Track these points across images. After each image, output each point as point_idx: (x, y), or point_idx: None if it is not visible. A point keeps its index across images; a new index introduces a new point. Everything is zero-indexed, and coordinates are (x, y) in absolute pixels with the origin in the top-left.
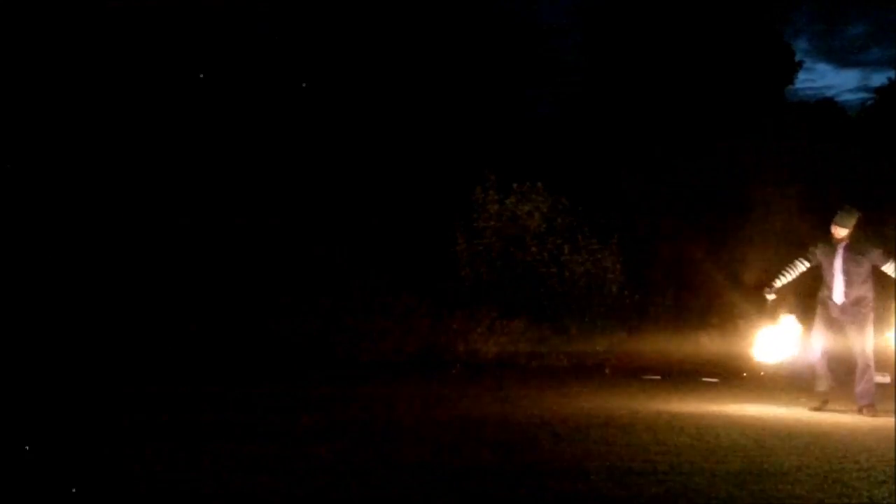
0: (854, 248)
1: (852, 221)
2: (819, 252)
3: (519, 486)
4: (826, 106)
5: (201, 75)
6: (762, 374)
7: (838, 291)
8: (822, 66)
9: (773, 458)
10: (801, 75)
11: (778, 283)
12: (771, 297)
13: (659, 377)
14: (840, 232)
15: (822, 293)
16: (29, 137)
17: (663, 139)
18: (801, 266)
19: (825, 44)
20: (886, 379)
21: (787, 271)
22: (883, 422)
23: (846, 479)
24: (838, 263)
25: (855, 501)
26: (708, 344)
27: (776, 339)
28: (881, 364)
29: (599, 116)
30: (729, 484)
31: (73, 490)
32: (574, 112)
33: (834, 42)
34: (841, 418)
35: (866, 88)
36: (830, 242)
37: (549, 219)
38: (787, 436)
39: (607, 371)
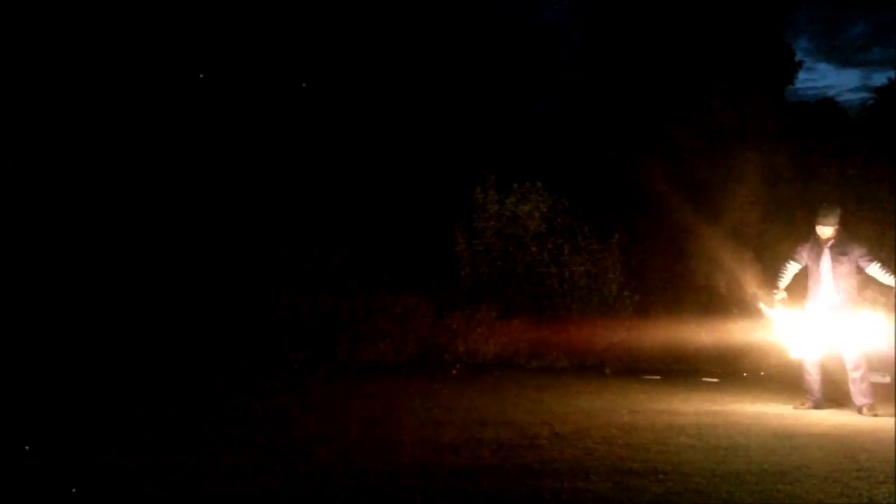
0: (838, 247)
1: (836, 219)
2: (806, 252)
3: (519, 486)
4: (826, 106)
5: (201, 75)
6: (762, 374)
7: (827, 292)
8: (824, 66)
9: (773, 458)
10: (802, 75)
11: (781, 284)
12: (781, 295)
13: (659, 377)
14: (826, 231)
15: (812, 296)
16: (28, 137)
17: (663, 138)
18: (793, 267)
19: (826, 43)
20: (886, 379)
21: (782, 274)
22: (883, 422)
23: (846, 479)
24: (825, 264)
25: (855, 501)
26: (708, 343)
27: (799, 331)
28: (881, 364)
29: (599, 116)
30: (729, 484)
31: (73, 490)
32: (574, 112)
33: (835, 42)
34: (841, 418)
35: (867, 88)
36: (817, 243)
37: (549, 219)
38: (787, 436)
39: (607, 371)
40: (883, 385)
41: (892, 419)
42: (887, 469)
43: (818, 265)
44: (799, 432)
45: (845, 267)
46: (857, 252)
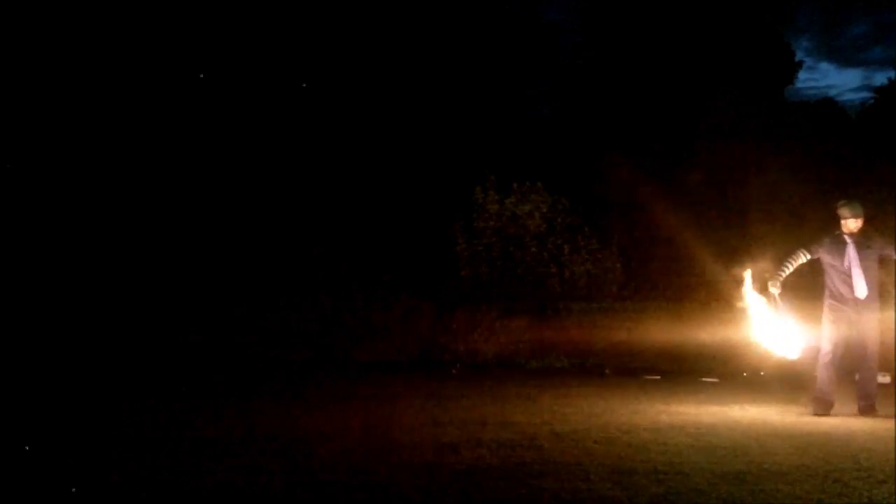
0: (863, 240)
1: (862, 210)
2: (825, 248)
3: (519, 486)
4: (826, 105)
5: (201, 75)
6: (762, 373)
7: (860, 287)
8: (825, 66)
9: (773, 458)
10: (804, 75)
11: (782, 275)
12: (776, 290)
13: (659, 377)
14: (857, 223)
15: (835, 293)
16: (28, 137)
17: (663, 138)
18: (803, 257)
19: (827, 43)
20: (886, 379)
21: (789, 262)
22: (883, 422)
23: (846, 479)
24: (853, 257)
25: (855, 501)
26: (708, 343)
27: (784, 329)
28: (881, 364)
29: (599, 116)
30: (729, 484)
31: (73, 490)
32: (574, 112)
33: (836, 41)
34: (841, 419)
35: (868, 88)
36: (839, 238)
37: (549, 219)
38: (787, 436)
39: (607, 371)
40: (883, 385)
41: (892, 419)
42: (887, 469)
43: (842, 259)
44: (799, 432)
45: (870, 260)
46: (880, 242)
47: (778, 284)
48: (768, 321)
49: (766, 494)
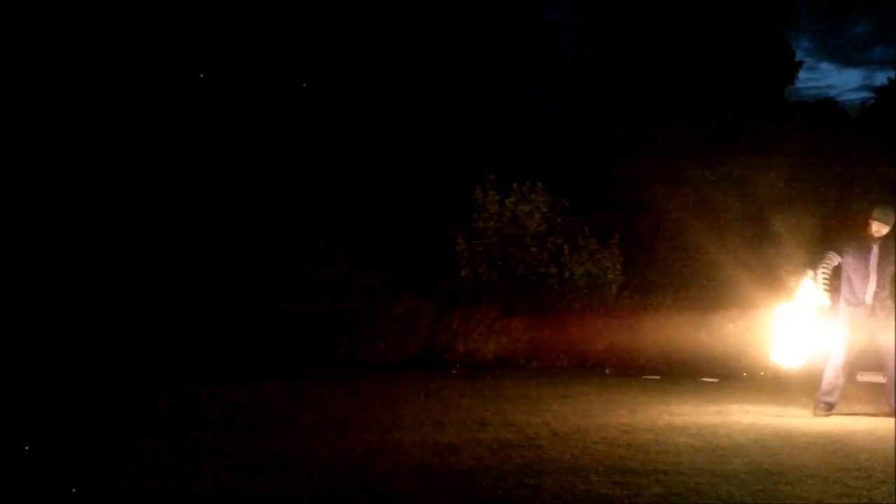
0: (886, 247)
1: (893, 218)
2: (851, 251)
3: (519, 486)
4: (826, 105)
5: (201, 75)
6: (762, 374)
7: (869, 291)
8: (826, 66)
9: (773, 458)
10: (804, 74)
11: (826, 279)
12: (824, 290)
13: (659, 377)
14: (883, 229)
15: (848, 296)
16: (30, 139)
17: (663, 138)
18: (835, 259)
19: (828, 43)
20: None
21: (825, 265)
22: (883, 422)
23: (846, 479)
24: (873, 262)
25: (855, 501)
26: (708, 343)
27: (798, 339)
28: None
29: (599, 115)
30: (729, 484)
31: (73, 490)
32: (574, 111)
33: (836, 41)
34: (841, 419)
35: (869, 88)
36: (864, 241)
37: (549, 219)
38: (787, 436)
39: (607, 371)
40: (882, 385)
41: (893, 419)
42: (887, 469)
43: (865, 262)
44: (799, 432)
45: (891, 267)
46: None
47: (821, 284)
48: (795, 327)
49: (766, 494)
